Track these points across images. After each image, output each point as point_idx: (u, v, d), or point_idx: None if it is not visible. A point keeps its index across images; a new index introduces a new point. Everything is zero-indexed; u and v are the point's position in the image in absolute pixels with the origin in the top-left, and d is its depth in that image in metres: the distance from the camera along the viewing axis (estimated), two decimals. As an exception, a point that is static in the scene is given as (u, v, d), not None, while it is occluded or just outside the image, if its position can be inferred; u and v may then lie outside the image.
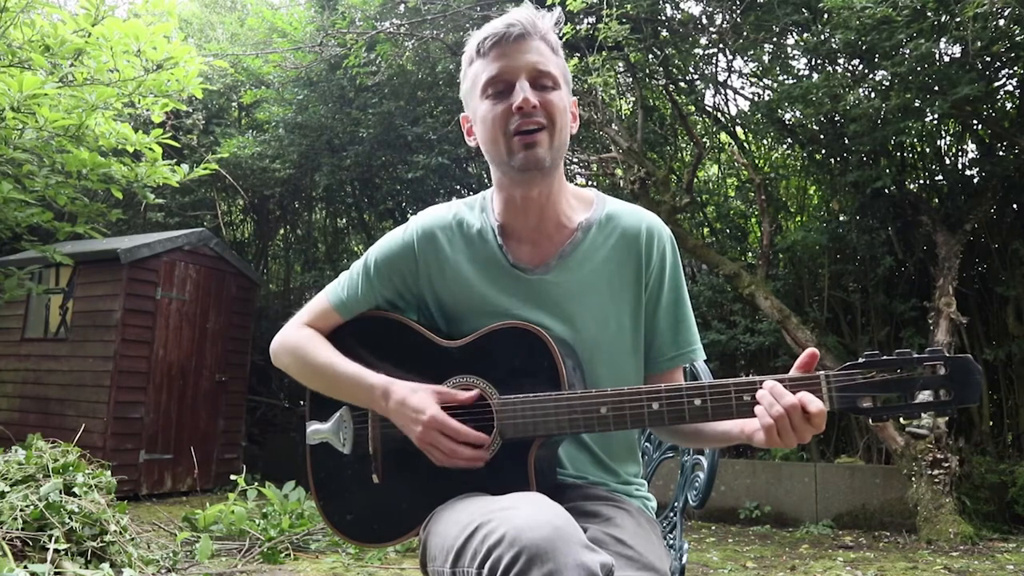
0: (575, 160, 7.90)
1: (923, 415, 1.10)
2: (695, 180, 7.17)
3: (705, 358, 1.45)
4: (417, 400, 1.24)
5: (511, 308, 1.33)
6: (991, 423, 6.13)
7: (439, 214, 1.41)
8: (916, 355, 1.08)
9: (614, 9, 5.54)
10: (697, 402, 1.14)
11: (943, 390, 1.07)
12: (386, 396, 1.28)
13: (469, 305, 1.35)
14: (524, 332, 1.26)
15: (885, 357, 1.09)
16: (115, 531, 3.25)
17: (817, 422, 1.09)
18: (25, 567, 2.81)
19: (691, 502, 1.53)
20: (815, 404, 1.09)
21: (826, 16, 5.34)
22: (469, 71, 1.33)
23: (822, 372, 1.11)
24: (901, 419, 1.15)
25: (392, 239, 1.41)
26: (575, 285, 1.34)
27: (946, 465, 5.05)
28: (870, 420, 1.11)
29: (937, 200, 6.44)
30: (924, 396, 1.08)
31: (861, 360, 1.10)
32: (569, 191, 1.40)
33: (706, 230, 8.04)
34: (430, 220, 1.40)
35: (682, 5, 6.66)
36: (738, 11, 5.96)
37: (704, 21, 6.57)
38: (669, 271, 1.39)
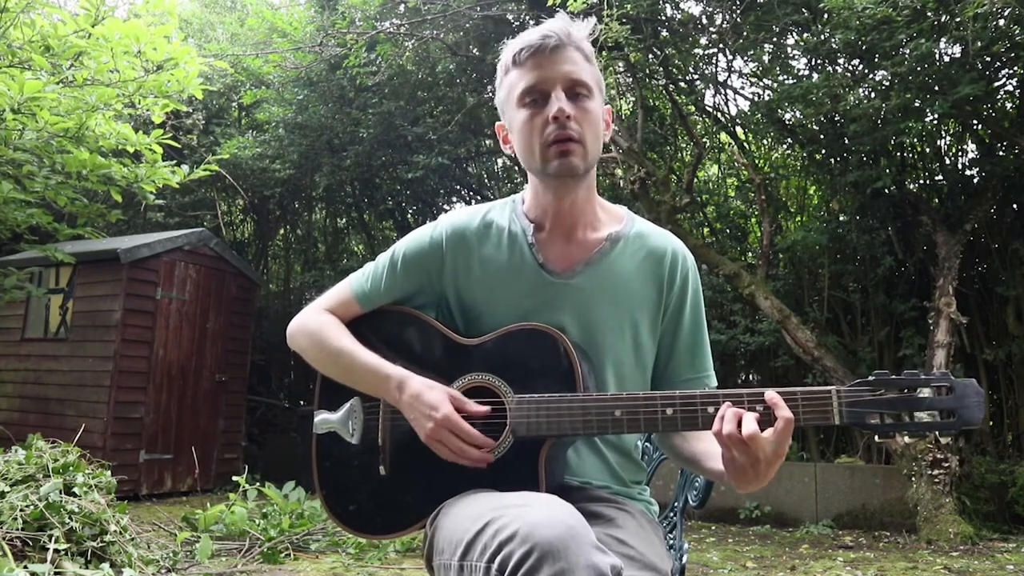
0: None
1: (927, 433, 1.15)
2: (695, 180, 7.17)
3: (717, 385, 1.45)
4: (432, 397, 1.25)
5: (532, 309, 1.34)
6: (991, 423, 6.12)
7: (469, 215, 1.43)
8: (923, 376, 1.13)
9: (614, 9, 5.54)
10: (710, 410, 1.16)
11: (947, 411, 1.12)
12: (401, 388, 1.29)
13: (490, 305, 1.36)
14: (542, 333, 1.27)
15: (893, 377, 1.14)
16: (115, 531, 3.25)
17: (762, 446, 1.09)
18: (25, 567, 2.81)
19: (691, 502, 1.53)
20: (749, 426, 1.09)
21: (826, 16, 5.34)
22: (505, 81, 1.34)
23: (833, 388, 1.15)
24: (906, 437, 1.20)
25: (420, 236, 1.43)
26: (598, 293, 1.35)
27: (946, 465, 5.05)
28: (876, 436, 1.16)
29: (937, 200, 6.43)
30: (928, 416, 1.13)
31: (871, 378, 1.15)
32: (598, 202, 1.42)
33: (706, 230, 8.03)
34: (460, 220, 1.42)
35: (682, 5, 6.65)
36: (738, 11, 5.95)
37: (704, 21, 6.57)
38: (691, 295, 1.41)
